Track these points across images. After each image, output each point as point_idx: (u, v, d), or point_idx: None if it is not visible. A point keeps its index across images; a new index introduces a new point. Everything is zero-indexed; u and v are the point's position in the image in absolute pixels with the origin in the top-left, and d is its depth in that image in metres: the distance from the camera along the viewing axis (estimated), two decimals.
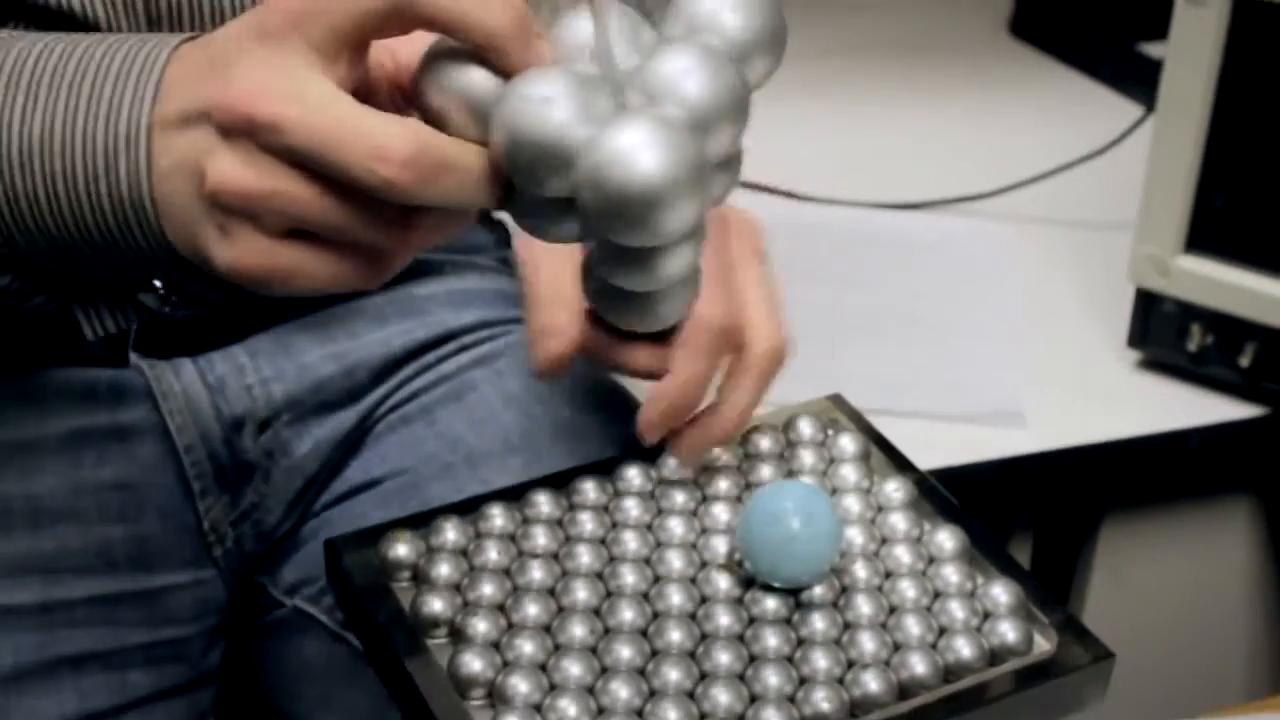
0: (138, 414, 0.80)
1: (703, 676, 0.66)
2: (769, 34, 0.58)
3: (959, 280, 1.31)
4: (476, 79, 0.56)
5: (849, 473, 0.77)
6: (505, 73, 0.56)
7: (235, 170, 0.55)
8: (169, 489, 0.81)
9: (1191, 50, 1.08)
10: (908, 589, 0.71)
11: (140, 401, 0.80)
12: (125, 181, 0.59)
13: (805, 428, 0.79)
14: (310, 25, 0.55)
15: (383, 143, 0.54)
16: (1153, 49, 1.52)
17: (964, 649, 0.68)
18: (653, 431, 0.74)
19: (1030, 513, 1.25)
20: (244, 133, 0.55)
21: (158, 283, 0.70)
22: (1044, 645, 0.70)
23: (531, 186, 0.56)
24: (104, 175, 0.59)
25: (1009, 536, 1.25)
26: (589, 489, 0.75)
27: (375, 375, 0.86)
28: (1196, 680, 1.35)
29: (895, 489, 0.76)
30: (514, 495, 0.75)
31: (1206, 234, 1.13)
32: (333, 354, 0.85)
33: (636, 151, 0.53)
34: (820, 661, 0.67)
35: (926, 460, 1.06)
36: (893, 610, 0.70)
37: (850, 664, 0.67)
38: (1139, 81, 1.38)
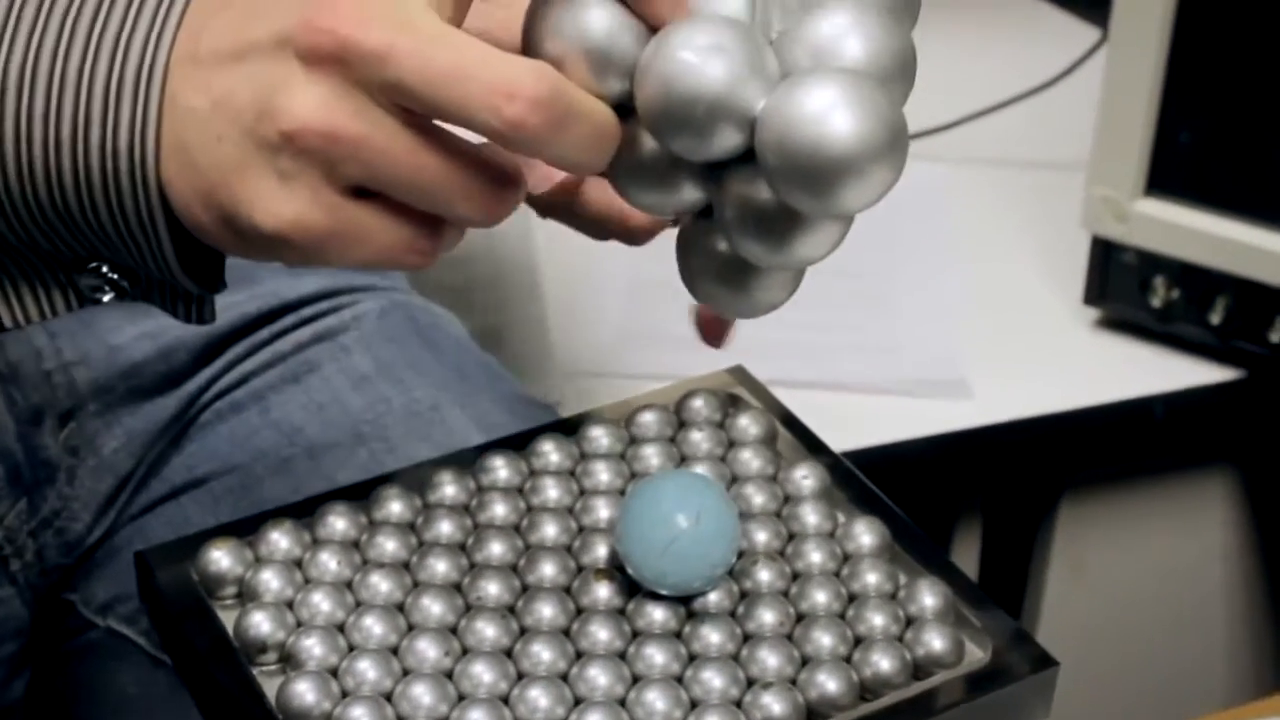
0: None
1: (577, 702, 0.64)
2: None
3: (889, 230, 1.30)
4: (605, 24, 0.57)
5: (751, 458, 0.75)
6: (647, 18, 0.56)
7: (322, 107, 0.53)
8: None
9: None
10: (818, 594, 0.69)
11: None
12: (125, 128, 0.56)
13: (700, 406, 0.78)
14: None
15: (513, 79, 0.53)
16: None
17: (883, 662, 0.66)
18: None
19: (978, 495, 1.25)
20: (338, 63, 0.53)
21: (104, 267, 0.64)
22: (977, 654, 0.68)
23: (687, 148, 0.56)
24: (99, 120, 0.56)
25: (955, 524, 1.25)
26: (446, 485, 0.73)
27: (198, 356, 0.84)
28: (1171, 684, 1.35)
29: (804, 476, 0.74)
30: (358, 494, 0.73)
31: (1169, 174, 1.13)
32: (147, 332, 0.83)
33: (833, 110, 0.54)
34: (714, 681, 0.65)
35: (855, 439, 1.06)
36: (800, 619, 0.68)
37: (750, 683, 0.65)
38: (1095, 1, 1.38)
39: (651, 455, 0.75)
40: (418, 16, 0.53)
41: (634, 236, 0.75)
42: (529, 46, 0.57)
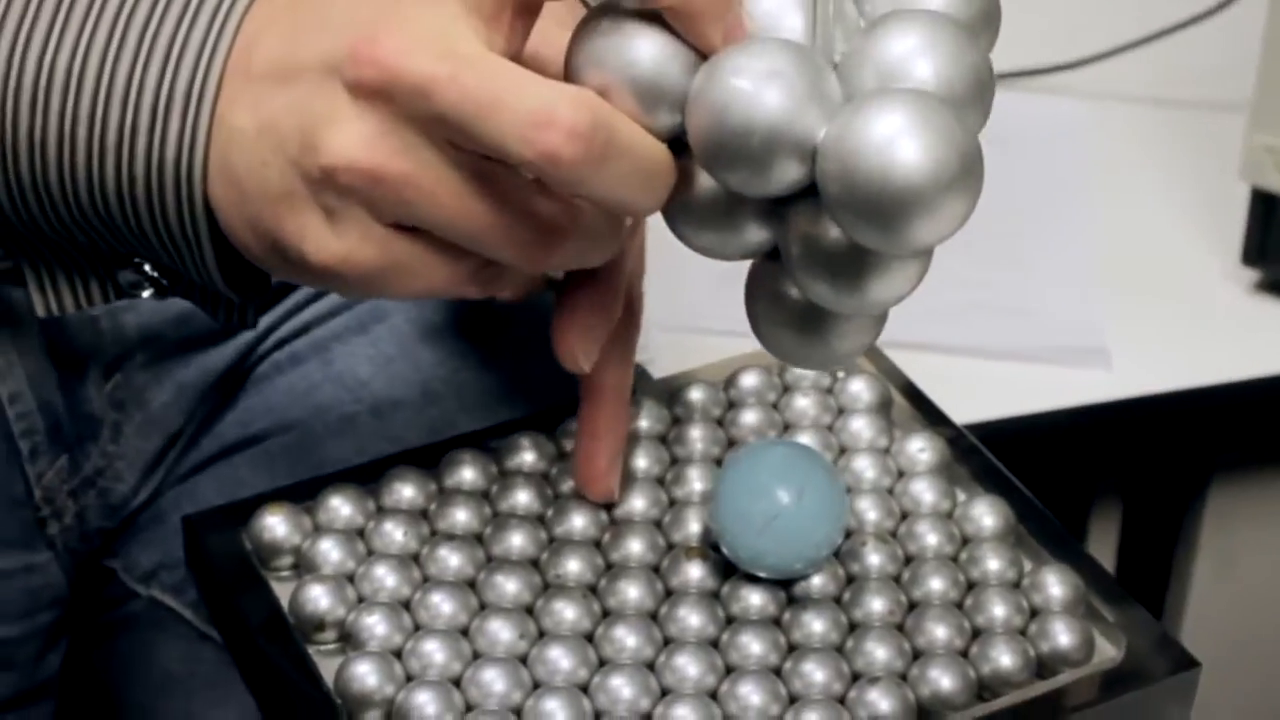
0: None
1: (664, 694, 0.65)
2: (987, 6, 0.60)
3: (1020, 176, 1.29)
4: (651, 52, 0.57)
5: (862, 427, 0.76)
6: (697, 45, 0.57)
7: (366, 144, 0.56)
8: None
9: None
10: (933, 580, 0.69)
11: None
12: (173, 142, 0.59)
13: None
14: None
15: (549, 107, 0.54)
16: None
17: (1003, 657, 0.67)
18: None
19: (1116, 478, 1.24)
20: (385, 97, 0.55)
21: (146, 265, 0.68)
22: (1109, 652, 0.69)
23: (744, 183, 0.56)
24: (145, 131, 0.59)
25: (1090, 510, 1.24)
26: (525, 450, 0.74)
27: None
28: None
29: (921, 449, 0.75)
30: (429, 458, 0.74)
31: None
32: None
33: (900, 136, 0.54)
34: (816, 674, 0.65)
35: (977, 410, 1.06)
36: (913, 607, 0.69)
37: (855, 677, 0.66)
38: None
39: (751, 421, 0.76)
40: (460, 44, 0.55)
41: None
42: (570, 78, 0.58)
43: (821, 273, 0.58)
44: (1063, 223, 1.25)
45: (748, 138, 0.55)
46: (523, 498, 0.72)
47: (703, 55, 0.58)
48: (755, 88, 0.55)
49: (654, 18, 0.57)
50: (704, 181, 0.59)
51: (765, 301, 0.62)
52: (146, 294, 0.66)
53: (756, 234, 0.60)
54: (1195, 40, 1.34)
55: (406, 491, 0.72)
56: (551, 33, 0.60)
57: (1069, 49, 1.37)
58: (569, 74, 0.58)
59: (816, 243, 0.58)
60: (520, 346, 0.83)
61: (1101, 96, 1.35)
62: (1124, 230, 1.26)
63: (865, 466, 0.74)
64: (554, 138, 0.54)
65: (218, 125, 0.58)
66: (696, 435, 0.75)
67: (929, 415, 0.78)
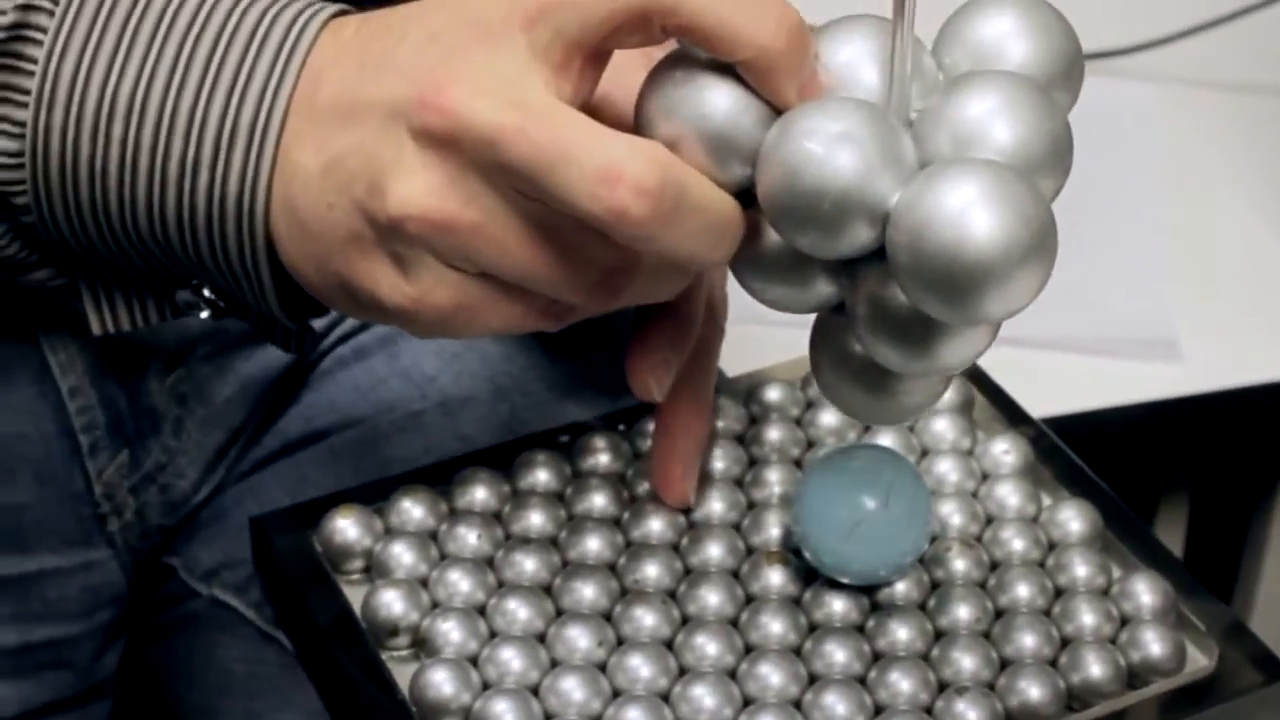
0: (8, 348, 0.79)
1: (746, 703, 0.65)
2: (1070, 60, 0.60)
3: (1091, 162, 1.27)
4: (725, 105, 0.58)
5: (944, 428, 0.76)
6: (771, 99, 0.57)
7: (433, 194, 0.57)
8: (49, 444, 0.80)
9: None
10: (1019, 586, 0.69)
11: (10, 331, 0.79)
12: (236, 176, 0.59)
13: None
14: (540, 26, 0.56)
15: (618, 163, 0.55)
16: None
17: (1093, 667, 0.67)
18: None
19: (1184, 475, 1.24)
20: (451, 145, 0.56)
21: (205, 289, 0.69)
22: (1200, 661, 0.69)
23: (813, 245, 0.57)
24: (208, 164, 0.60)
25: (1156, 508, 1.24)
26: (600, 450, 0.74)
27: None
28: None
29: (1005, 451, 0.75)
30: (501, 458, 0.74)
31: None
32: None
33: (972, 209, 0.54)
34: (901, 684, 0.66)
35: (1047, 406, 1.05)
36: (999, 615, 0.69)
37: (942, 687, 0.66)
38: None
39: (830, 422, 0.76)
40: (529, 93, 0.56)
41: None
42: (641, 127, 0.58)
43: (888, 335, 0.59)
44: (1130, 211, 1.25)
45: (819, 202, 0.55)
46: (598, 500, 0.72)
47: (776, 109, 0.58)
48: (828, 151, 0.55)
49: (728, 70, 0.57)
50: (772, 235, 0.59)
51: (830, 355, 0.63)
52: (203, 315, 0.66)
53: (826, 288, 0.60)
54: (1269, 23, 1.33)
55: (479, 493, 0.72)
56: (622, 75, 0.60)
57: (1138, 31, 1.36)
58: (639, 122, 0.58)
59: (884, 305, 0.58)
60: (591, 342, 0.83)
61: (1171, 80, 1.34)
62: (1193, 219, 1.25)
63: (948, 469, 0.74)
64: (622, 194, 0.54)
65: (281, 160, 0.59)
66: (774, 435, 0.75)
67: (1011, 415, 0.78)
